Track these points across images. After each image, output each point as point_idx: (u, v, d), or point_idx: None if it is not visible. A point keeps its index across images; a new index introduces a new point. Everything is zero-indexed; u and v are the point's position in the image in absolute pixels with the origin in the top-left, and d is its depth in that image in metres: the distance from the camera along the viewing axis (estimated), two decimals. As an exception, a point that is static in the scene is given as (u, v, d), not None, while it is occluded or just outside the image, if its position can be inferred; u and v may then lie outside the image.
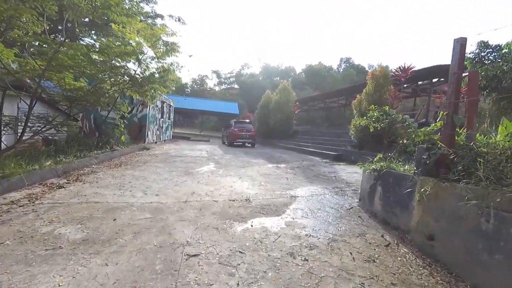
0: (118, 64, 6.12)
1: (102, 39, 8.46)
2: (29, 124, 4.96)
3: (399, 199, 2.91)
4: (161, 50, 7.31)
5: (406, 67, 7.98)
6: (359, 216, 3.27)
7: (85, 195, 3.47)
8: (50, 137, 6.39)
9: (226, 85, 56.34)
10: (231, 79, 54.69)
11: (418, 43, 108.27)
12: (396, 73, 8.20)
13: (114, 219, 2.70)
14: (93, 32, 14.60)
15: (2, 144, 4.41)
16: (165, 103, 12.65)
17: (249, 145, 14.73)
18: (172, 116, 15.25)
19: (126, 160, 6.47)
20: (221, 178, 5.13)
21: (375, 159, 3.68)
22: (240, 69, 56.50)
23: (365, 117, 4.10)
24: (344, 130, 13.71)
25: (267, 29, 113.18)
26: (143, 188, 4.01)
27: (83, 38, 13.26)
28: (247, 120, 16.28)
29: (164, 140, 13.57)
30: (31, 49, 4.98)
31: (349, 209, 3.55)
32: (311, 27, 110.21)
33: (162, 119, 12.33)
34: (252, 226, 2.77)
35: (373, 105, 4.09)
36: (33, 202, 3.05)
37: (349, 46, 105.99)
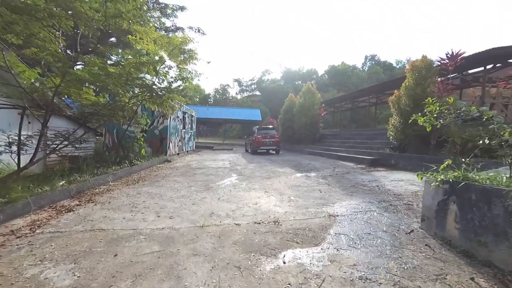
0: (135, 76, 5.96)
1: (124, 54, 8.50)
2: (47, 142, 4.87)
3: (491, 224, 2.09)
4: (179, 59, 7.09)
5: (454, 53, 6.83)
6: (426, 245, 2.46)
7: (92, 220, 3.10)
8: (76, 154, 6.40)
9: (247, 92, 56.75)
10: (252, 86, 55.01)
11: (438, 36, 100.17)
12: (442, 61, 7.07)
13: (115, 255, 2.23)
14: (120, 50, 15.29)
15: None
16: (186, 114, 12.58)
17: (274, 152, 14.08)
18: (194, 127, 15.21)
19: (145, 175, 6.20)
20: (244, 193, 4.56)
21: (442, 167, 2.86)
22: (261, 76, 56.69)
23: (418, 113, 3.29)
24: (378, 131, 12.51)
25: (287, 33, 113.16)
26: (156, 209, 3.57)
27: (111, 56, 13.87)
28: (270, 126, 15.69)
29: (187, 151, 13.48)
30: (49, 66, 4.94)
31: (409, 233, 2.74)
32: (332, 26, 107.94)
33: (184, 130, 12.24)
34: (284, 263, 2.12)
35: (430, 98, 3.25)
36: (33, 232, 2.72)
37: (374, 43, 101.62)
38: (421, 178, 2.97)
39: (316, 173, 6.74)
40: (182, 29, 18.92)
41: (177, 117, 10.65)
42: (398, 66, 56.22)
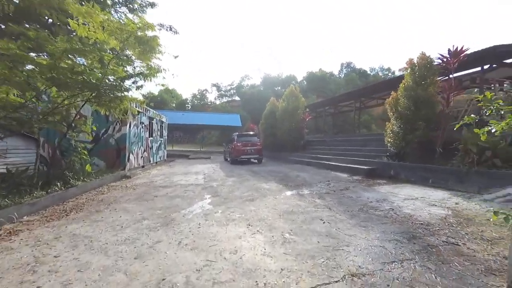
0: (76, 68, 4.46)
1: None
2: None
3: None
4: (137, 50, 5.71)
5: (457, 50, 6.16)
6: None
7: None
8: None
9: (227, 97, 55.62)
10: (232, 91, 53.94)
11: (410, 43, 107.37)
12: (443, 58, 6.38)
13: None
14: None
15: None
16: (154, 120, 10.99)
17: (256, 161, 12.87)
18: (165, 134, 13.57)
19: (85, 201, 4.64)
20: (219, 229, 3.26)
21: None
22: (240, 81, 55.92)
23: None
24: (369, 136, 11.84)
25: (266, 39, 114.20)
26: (69, 275, 2.16)
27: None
28: (252, 133, 14.52)
29: (156, 162, 11.81)
30: None
31: (498, 317, 1.62)
32: (309, 35, 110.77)
33: (151, 138, 10.62)
34: None
35: (488, 93, 2.23)
36: None
37: (349, 51, 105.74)
38: (498, 218, 1.88)
39: (309, 190, 5.61)
40: (152, 26, 17.33)
41: (141, 123, 9.06)
42: (372, 74, 58.44)
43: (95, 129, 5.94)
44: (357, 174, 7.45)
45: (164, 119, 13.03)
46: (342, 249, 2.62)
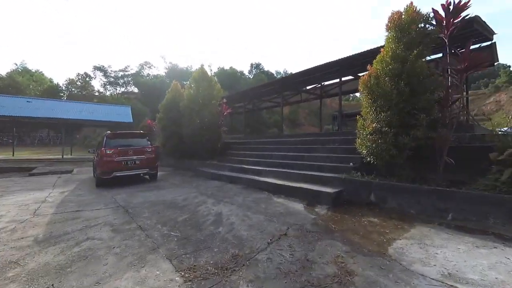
0: None
1: None
2: None
3: None
4: None
5: (458, 3, 4.09)
6: None
7: None
8: None
9: (120, 87, 45.37)
10: (125, 79, 44.26)
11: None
12: (438, 16, 4.23)
13: None
14: None
15: None
16: None
17: (146, 176, 8.29)
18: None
19: None
20: None
21: None
22: (139, 69, 46.88)
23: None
24: (310, 138, 9.18)
25: (170, 23, 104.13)
26: None
27: None
28: (139, 132, 9.65)
29: None
30: None
31: None
32: (222, 31, 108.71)
33: None
34: None
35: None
36: None
37: (258, 53, 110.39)
38: None
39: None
40: None
41: None
42: (278, 76, 61.84)
43: None
44: (319, 203, 4.48)
45: None
46: None
